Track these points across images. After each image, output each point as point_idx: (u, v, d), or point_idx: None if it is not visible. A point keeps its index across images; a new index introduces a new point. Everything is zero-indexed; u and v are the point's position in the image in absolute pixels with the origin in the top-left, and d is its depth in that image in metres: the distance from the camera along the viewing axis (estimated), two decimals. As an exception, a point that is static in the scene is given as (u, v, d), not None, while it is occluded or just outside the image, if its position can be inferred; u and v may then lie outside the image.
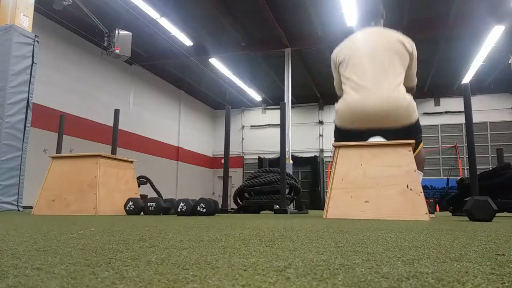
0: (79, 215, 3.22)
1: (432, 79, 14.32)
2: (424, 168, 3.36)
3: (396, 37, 3.06)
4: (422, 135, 3.16)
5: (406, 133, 2.95)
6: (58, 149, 5.10)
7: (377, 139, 3.00)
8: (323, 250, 0.80)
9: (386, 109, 2.88)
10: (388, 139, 3.02)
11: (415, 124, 3.01)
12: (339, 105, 3.09)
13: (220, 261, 0.63)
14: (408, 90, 3.05)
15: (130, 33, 9.69)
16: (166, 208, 3.63)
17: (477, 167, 3.07)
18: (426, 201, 2.65)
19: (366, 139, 3.03)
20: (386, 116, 2.89)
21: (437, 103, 15.95)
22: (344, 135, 3.08)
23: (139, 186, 4.47)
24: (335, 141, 3.17)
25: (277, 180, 5.35)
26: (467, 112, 3.14)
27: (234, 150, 17.10)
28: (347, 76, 3.05)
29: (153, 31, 10.52)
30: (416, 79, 3.19)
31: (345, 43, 3.24)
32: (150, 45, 11.90)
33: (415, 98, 3.07)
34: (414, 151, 2.97)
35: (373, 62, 2.98)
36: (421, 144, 3.15)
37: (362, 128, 2.99)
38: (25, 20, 5.05)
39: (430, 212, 2.69)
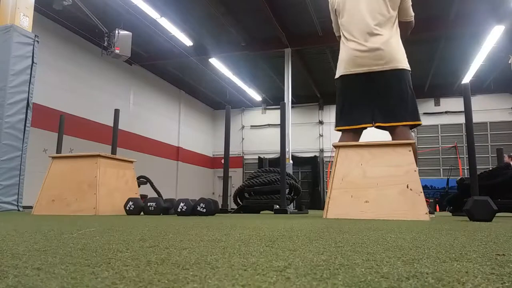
0: (79, 215, 3.22)
1: (432, 79, 14.32)
2: (424, 168, 3.35)
3: None
4: (422, 135, 3.14)
5: (400, 84, 2.94)
6: (58, 149, 5.10)
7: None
8: (323, 250, 0.80)
9: (376, 51, 2.95)
10: (380, 92, 2.97)
11: (403, 73, 2.97)
12: (340, 52, 3.19)
13: (220, 261, 0.63)
14: (406, 24, 3.14)
15: (130, 33, 9.69)
16: (166, 208, 3.63)
17: (477, 167, 3.07)
18: (426, 201, 2.64)
19: (363, 90, 3.02)
20: (376, 57, 2.95)
21: (437, 103, 15.95)
22: (342, 87, 3.13)
23: (139, 186, 4.47)
24: (336, 110, 3.20)
25: (277, 180, 5.35)
26: (467, 112, 3.15)
27: (234, 150, 17.10)
28: (343, 23, 3.17)
29: (153, 31, 10.52)
30: (412, 12, 3.21)
31: None
32: (150, 45, 11.90)
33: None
34: (412, 128, 2.98)
35: (366, 5, 3.06)
36: (419, 124, 3.04)
37: (356, 72, 3.02)
38: (25, 20, 5.05)
39: (430, 212, 2.69)
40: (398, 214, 2.53)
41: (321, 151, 17.19)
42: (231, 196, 6.15)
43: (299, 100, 16.24)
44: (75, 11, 9.36)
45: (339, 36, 3.30)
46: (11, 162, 4.66)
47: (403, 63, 3.00)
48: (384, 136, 2.93)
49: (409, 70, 3.03)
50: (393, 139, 2.96)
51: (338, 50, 3.29)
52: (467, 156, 3.31)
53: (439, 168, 15.46)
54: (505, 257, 0.70)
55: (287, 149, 9.79)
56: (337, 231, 1.33)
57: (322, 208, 3.86)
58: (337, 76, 3.18)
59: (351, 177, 2.72)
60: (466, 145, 4.85)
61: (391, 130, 3.00)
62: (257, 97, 16.52)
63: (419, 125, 3.02)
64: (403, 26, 3.14)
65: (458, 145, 15.47)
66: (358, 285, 0.45)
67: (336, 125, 3.18)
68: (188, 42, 11.29)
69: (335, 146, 2.86)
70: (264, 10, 9.67)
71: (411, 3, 3.17)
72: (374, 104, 3.04)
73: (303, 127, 17.23)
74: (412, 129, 3.06)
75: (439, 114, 15.83)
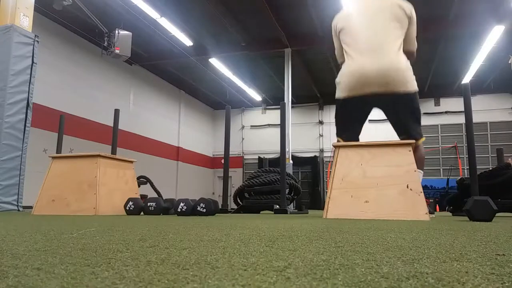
0: (79, 215, 3.22)
1: (432, 79, 14.32)
2: (424, 168, 3.36)
3: (395, 1, 3.09)
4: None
5: (406, 106, 2.95)
6: (58, 149, 5.10)
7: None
8: (323, 250, 0.80)
9: (384, 71, 2.88)
10: (387, 112, 3.01)
11: (414, 97, 2.99)
12: (340, 73, 3.12)
13: (220, 261, 0.63)
14: (409, 55, 3.08)
15: (130, 33, 9.69)
16: (166, 208, 3.63)
17: (477, 167, 3.07)
18: (426, 201, 2.64)
19: (366, 112, 3.03)
20: (384, 78, 2.88)
21: (437, 103, 15.95)
22: (344, 109, 3.11)
23: (139, 186, 4.47)
24: (336, 122, 3.20)
25: (277, 180, 5.35)
26: (467, 112, 3.15)
27: (234, 150, 17.09)
28: (347, 43, 3.10)
29: (153, 31, 10.52)
30: (416, 43, 3.19)
31: (344, 11, 3.32)
32: (150, 45, 11.90)
33: None
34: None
35: (372, 28, 3.03)
36: (422, 139, 3.10)
37: (362, 94, 2.97)
38: (25, 20, 5.05)
39: (430, 212, 2.69)
40: (398, 214, 2.53)
41: (321, 151, 17.19)
42: (231, 196, 6.15)
43: (299, 100, 16.24)
44: (75, 11, 9.36)
45: (342, 62, 3.22)
46: (11, 162, 4.66)
47: (413, 83, 2.97)
48: (384, 136, 2.93)
49: (417, 90, 3.01)
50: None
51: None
52: (467, 156, 3.31)
53: (439, 168, 15.46)
54: (505, 257, 0.70)
55: (287, 149, 9.79)
56: (337, 231, 1.33)
57: (322, 208, 3.86)
58: (338, 95, 3.11)
59: (351, 177, 2.72)
60: (466, 145, 4.85)
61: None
62: (257, 97, 16.52)
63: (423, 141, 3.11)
64: (406, 56, 3.06)
65: (458, 145, 15.47)
66: (358, 285, 0.45)
67: (338, 135, 3.19)
68: (188, 42, 11.29)
69: (335, 146, 2.86)
70: (264, 10, 9.66)
71: (415, 34, 3.15)
72: (386, 115, 3.08)
73: (303, 127, 17.23)
74: None
75: (439, 114, 15.83)
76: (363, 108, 3.07)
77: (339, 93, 3.12)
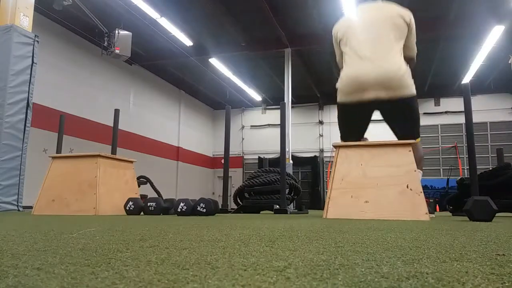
0: (79, 215, 3.22)
1: (432, 79, 14.32)
2: (424, 168, 3.37)
3: (395, 10, 3.13)
4: (422, 135, 3.18)
5: (404, 111, 2.98)
6: (58, 149, 5.10)
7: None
8: (323, 250, 0.80)
9: (382, 77, 2.91)
10: (386, 116, 3.03)
11: (412, 101, 3.01)
12: (339, 79, 3.16)
13: (220, 261, 0.63)
14: (409, 61, 3.13)
15: (130, 33, 9.69)
16: (166, 208, 3.63)
17: (477, 167, 3.07)
18: (426, 201, 2.64)
19: (366, 117, 3.04)
20: (382, 84, 2.91)
21: (437, 103, 15.95)
22: (344, 114, 3.15)
23: (139, 186, 4.47)
24: (339, 127, 3.25)
25: (277, 180, 5.34)
26: (467, 112, 3.14)
27: (234, 150, 17.09)
28: (347, 51, 3.14)
29: (153, 31, 10.52)
30: (416, 49, 3.23)
31: (345, 19, 3.36)
32: (150, 45, 11.90)
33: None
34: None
35: (371, 36, 3.07)
36: (418, 140, 3.14)
37: (361, 99, 3.00)
38: (25, 20, 5.05)
39: (430, 212, 2.69)
40: (398, 214, 2.53)
41: (321, 151, 17.18)
42: (231, 196, 6.15)
43: (299, 100, 16.23)
44: (75, 11, 9.35)
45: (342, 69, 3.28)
46: (11, 162, 4.66)
47: (412, 88, 2.99)
48: (384, 136, 2.94)
49: (416, 95, 3.04)
50: None
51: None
52: (467, 156, 3.31)
53: (439, 168, 15.46)
54: (505, 257, 0.70)
55: (287, 149, 9.79)
56: (337, 231, 1.33)
57: (322, 208, 3.86)
58: (339, 100, 3.15)
59: (351, 177, 2.72)
60: (466, 145, 4.85)
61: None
62: (257, 97, 16.52)
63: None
64: (407, 62, 3.10)
65: (458, 145, 15.46)
66: (358, 285, 0.45)
67: (342, 139, 3.22)
68: (188, 42, 11.28)
69: (335, 146, 2.87)
70: (264, 10, 9.66)
71: (415, 40, 3.18)
72: (384, 118, 3.11)
73: (303, 127, 17.23)
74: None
75: (439, 114, 15.83)
76: (362, 114, 3.10)
77: (339, 98, 3.17)
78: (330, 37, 3.42)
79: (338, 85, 3.15)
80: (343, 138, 3.23)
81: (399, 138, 3.05)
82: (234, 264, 0.60)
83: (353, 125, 3.19)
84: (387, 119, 3.12)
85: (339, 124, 3.26)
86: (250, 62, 13.29)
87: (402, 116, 3.03)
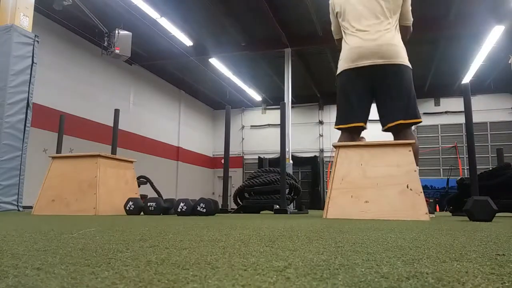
0: (79, 215, 3.22)
1: (432, 79, 14.32)
2: (424, 168, 3.36)
3: None
4: (422, 135, 3.16)
5: (399, 77, 2.97)
6: (58, 149, 5.10)
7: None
8: (323, 250, 0.80)
9: (378, 46, 2.99)
10: (382, 87, 3.00)
11: (408, 71, 3.01)
12: (342, 51, 3.22)
13: (220, 261, 0.63)
14: (405, 29, 3.21)
15: (130, 33, 9.69)
16: (166, 208, 3.63)
17: (477, 167, 3.07)
18: (426, 201, 2.64)
19: (363, 87, 3.05)
20: (379, 52, 2.98)
21: (437, 103, 15.95)
22: (342, 83, 3.16)
23: (139, 186, 4.47)
24: (337, 105, 3.26)
25: (277, 180, 5.34)
26: (467, 112, 3.15)
27: (234, 150, 17.09)
28: (345, 25, 3.21)
29: (153, 31, 10.52)
30: (411, 17, 3.27)
31: None
32: (150, 45, 11.90)
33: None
34: (409, 126, 3.00)
35: (367, 8, 3.12)
36: (420, 119, 3.08)
37: (358, 65, 3.03)
38: (25, 20, 5.05)
39: (430, 212, 2.69)
40: (398, 214, 2.53)
41: (321, 151, 17.19)
42: (231, 196, 6.15)
43: (299, 100, 16.24)
44: (75, 11, 9.36)
45: (338, 40, 3.35)
46: (11, 162, 4.66)
47: (406, 61, 3.05)
48: (384, 136, 2.93)
49: (411, 68, 3.06)
50: (395, 138, 2.97)
51: (338, 50, 3.30)
52: (467, 156, 3.31)
53: (439, 168, 15.46)
54: (505, 257, 0.70)
55: (287, 149, 9.78)
56: (337, 231, 1.33)
57: (322, 208, 3.86)
58: (338, 71, 3.21)
59: (351, 177, 2.72)
60: (466, 145, 4.86)
61: (394, 130, 3.01)
62: (257, 97, 16.52)
63: (420, 122, 3.06)
64: (402, 31, 3.19)
65: (458, 145, 15.47)
66: (358, 285, 0.45)
67: (336, 124, 3.22)
68: (188, 42, 11.29)
69: (335, 146, 2.86)
70: (264, 10, 9.67)
71: (410, 8, 3.22)
72: (377, 102, 3.08)
73: (303, 127, 17.23)
74: (413, 128, 3.10)
75: (439, 114, 15.83)
76: (359, 82, 3.08)
77: (338, 70, 3.21)
78: (330, 37, 3.44)
79: (340, 57, 3.23)
80: (340, 119, 3.17)
81: (394, 118, 2.95)
82: (234, 264, 0.60)
83: (350, 99, 3.12)
84: (383, 92, 3.02)
85: (337, 104, 3.26)
86: (250, 62, 13.29)
87: (397, 86, 2.98)
